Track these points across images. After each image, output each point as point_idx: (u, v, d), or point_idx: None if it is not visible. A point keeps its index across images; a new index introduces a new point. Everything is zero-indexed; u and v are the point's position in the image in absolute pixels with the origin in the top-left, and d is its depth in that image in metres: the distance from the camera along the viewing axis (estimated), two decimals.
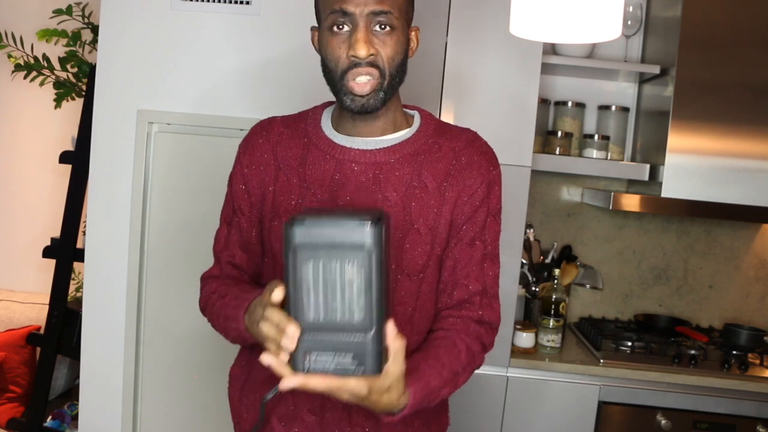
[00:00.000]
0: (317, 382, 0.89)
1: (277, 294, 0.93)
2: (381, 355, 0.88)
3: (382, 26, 1.08)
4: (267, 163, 1.20)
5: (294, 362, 0.89)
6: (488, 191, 1.18)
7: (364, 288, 0.85)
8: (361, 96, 1.10)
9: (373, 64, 1.08)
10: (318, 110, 1.24)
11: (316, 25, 1.17)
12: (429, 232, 1.15)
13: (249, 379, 1.26)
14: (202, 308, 1.28)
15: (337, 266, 0.84)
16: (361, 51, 1.06)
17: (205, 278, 1.30)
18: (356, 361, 0.87)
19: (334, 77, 1.11)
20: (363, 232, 0.83)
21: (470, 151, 1.18)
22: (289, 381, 0.90)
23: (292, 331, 0.89)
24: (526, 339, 2.10)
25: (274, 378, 1.22)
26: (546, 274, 2.32)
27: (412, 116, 1.23)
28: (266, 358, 0.91)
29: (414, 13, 1.18)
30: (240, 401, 1.27)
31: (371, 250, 0.84)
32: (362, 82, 1.09)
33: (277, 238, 1.16)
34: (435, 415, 1.25)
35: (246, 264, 1.25)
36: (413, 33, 1.16)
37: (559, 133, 2.32)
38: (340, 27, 1.08)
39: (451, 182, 1.16)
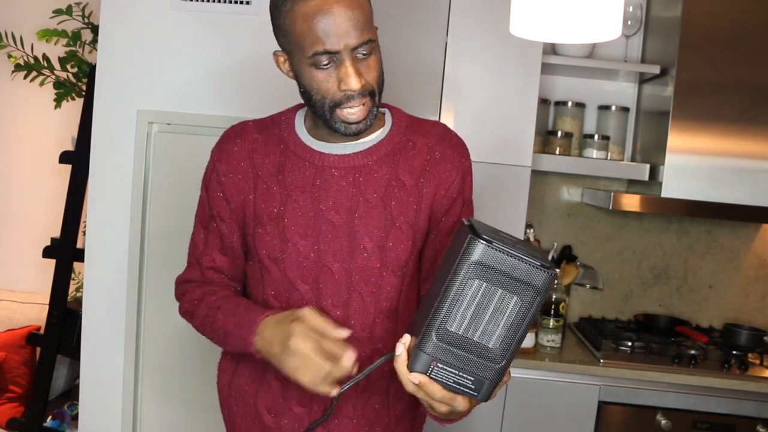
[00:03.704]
0: (434, 389, 0.90)
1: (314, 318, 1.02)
2: (496, 387, 0.90)
3: (365, 52, 1.08)
4: (245, 171, 1.20)
5: (417, 361, 0.89)
6: (462, 182, 1.21)
7: (514, 324, 0.86)
8: (356, 123, 1.11)
9: (364, 94, 1.09)
10: (290, 114, 1.24)
11: (280, 49, 1.14)
12: (410, 229, 1.17)
13: (237, 372, 1.27)
14: (184, 313, 1.28)
15: (498, 294, 0.85)
16: (355, 84, 1.07)
17: (183, 282, 1.30)
18: (474, 386, 0.89)
19: (321, 107, 1.11)
20: (540, 276, 0.84)
21: (443, 146, 1.20)
22: (415, 377, 0.90)
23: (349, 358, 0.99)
24: (526, 339, 2.09)
25: (261, 371, 1.21)
26: None
27: (383, 114, 1.24)
28: (399, 347, 0.92)
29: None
30: (229, 393, 1.28)
31: (538, 294, 0.85)
32: (356, 110, 1.10)
33: (262, 245, 1.18)
34: (417, 401, 1.28)
35: (227, 267, 1.26)
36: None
37: (559, 133, 2.32)
38: (326, 64, 1.07)
39: (428, 178, 1.18)
